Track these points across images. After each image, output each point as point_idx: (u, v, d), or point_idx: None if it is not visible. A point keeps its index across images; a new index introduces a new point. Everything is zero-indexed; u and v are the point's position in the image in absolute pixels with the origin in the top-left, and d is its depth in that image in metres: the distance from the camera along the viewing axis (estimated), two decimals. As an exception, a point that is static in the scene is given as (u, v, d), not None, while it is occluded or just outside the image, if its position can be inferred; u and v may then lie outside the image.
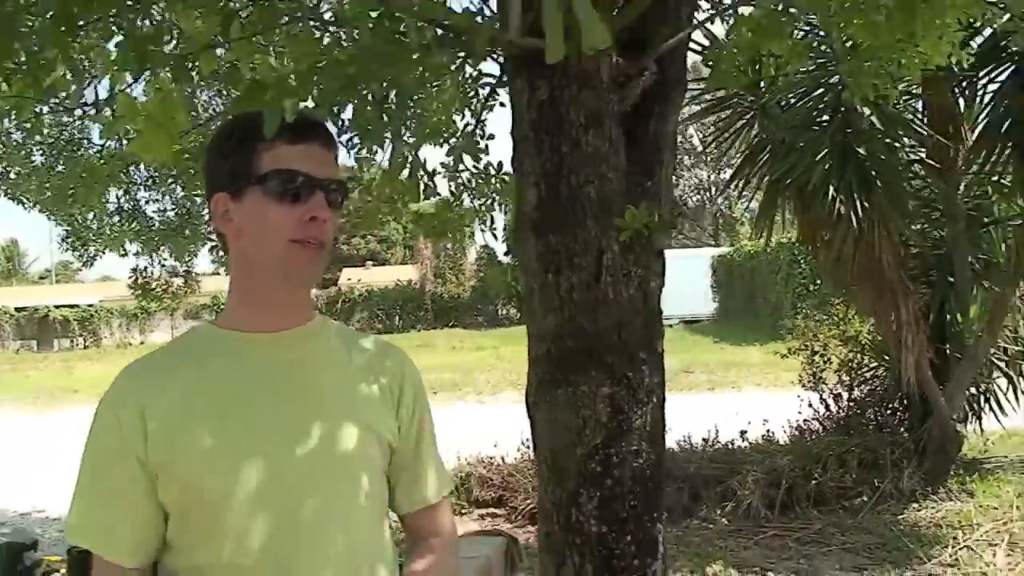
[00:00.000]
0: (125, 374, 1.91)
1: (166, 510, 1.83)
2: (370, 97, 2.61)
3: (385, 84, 2.76)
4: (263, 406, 1.86)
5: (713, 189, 52.59)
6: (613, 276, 2.90)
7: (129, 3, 2.28)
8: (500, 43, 3.01)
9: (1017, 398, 8.60)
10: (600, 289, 2.89)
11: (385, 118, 3.08)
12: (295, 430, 1.86)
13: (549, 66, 2.78)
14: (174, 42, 3.01)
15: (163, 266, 12.29)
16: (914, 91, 7.73)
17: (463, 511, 8.22)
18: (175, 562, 1.87)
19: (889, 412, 9.02)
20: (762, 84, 7.39)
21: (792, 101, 7.66)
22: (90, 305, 47.79)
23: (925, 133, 7.72)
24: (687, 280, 31.98)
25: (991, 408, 8.74)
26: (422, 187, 4.26)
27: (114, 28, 2.31)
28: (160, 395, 1.83)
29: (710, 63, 3.24)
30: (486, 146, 4.01)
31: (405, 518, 2.10)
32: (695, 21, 3.30)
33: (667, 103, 3.11)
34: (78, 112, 5.16)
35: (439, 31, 2.80)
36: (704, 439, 8.88)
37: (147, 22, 2.36)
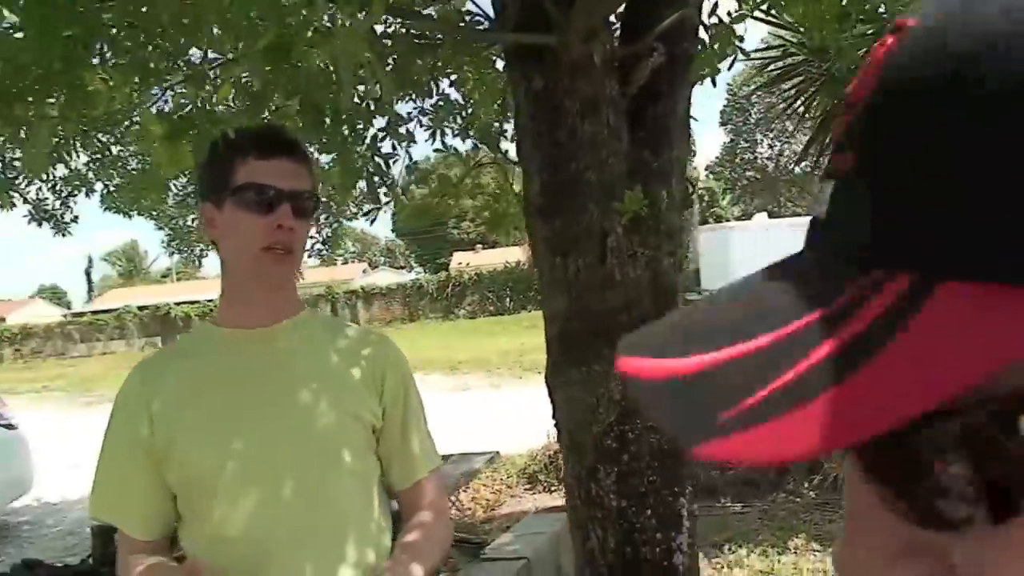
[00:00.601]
0: (135, 370, 2.16)
1: (172, 489, 2.07)
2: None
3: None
4: (248, 395, 2.06)
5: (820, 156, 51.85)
6: (619, 257, 2.96)
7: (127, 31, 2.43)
8: (494, 38, 3.10)
9: None
10: (606, 270, 2.96)
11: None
12: (277, 415, 2.05)
13: (542, 58, 2.88)
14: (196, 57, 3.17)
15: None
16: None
17: (552, 488, 8.34)
18: (183, 534, 2.11)
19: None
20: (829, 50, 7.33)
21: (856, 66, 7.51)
22: (210, 300, 48.96)
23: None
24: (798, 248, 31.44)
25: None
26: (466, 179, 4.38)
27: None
28: (162, 388, 2.07)
29: (704, 46, 3.27)
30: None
31: (398, 495, 2.23)
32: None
33: (674, 83, 3.16)
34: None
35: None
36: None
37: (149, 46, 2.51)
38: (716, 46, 3.17)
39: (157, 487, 2.07)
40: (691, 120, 3.33)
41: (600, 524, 3.04)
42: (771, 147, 54.06)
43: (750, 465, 0.37)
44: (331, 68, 2.24)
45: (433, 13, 2.83)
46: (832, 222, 0.44)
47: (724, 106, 57.01)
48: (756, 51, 8.20)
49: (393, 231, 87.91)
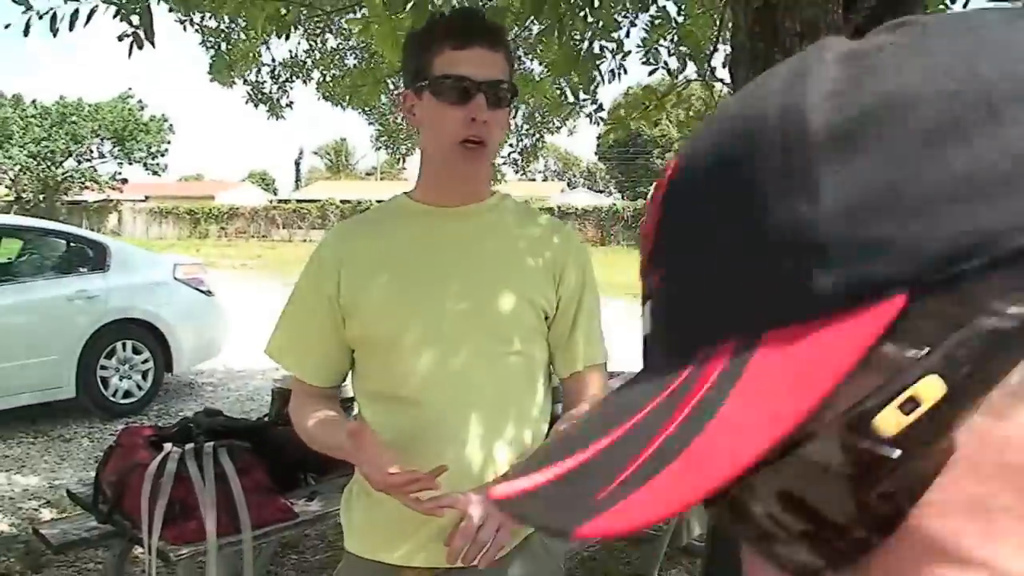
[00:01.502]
0: (333, 232, 2.35)
1: (351, 345, 2.21)
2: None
3: None
4: (432, 268, 2.15)
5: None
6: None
7: None
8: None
9: None
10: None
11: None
12: (458, 290, 2.15)
13: (767, -27, 2.83)
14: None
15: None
16: None
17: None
18: (358, 387, 2.27)
19: None
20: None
21: None
22: (408, 201, 50.04)
23: None
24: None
25: None
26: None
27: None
28: (355, 250, 2.21)
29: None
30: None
31: (563, 382, 2.30)
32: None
33: (904, 11, 3.05)
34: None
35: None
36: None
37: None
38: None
39: (336, 340, 2.21)
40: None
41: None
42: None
43: (626, 533, 0.39)
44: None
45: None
46: (655, 331, 0.49)
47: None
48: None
49: (596, 154, 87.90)
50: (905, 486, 0.38)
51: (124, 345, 9.17)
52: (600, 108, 6.66)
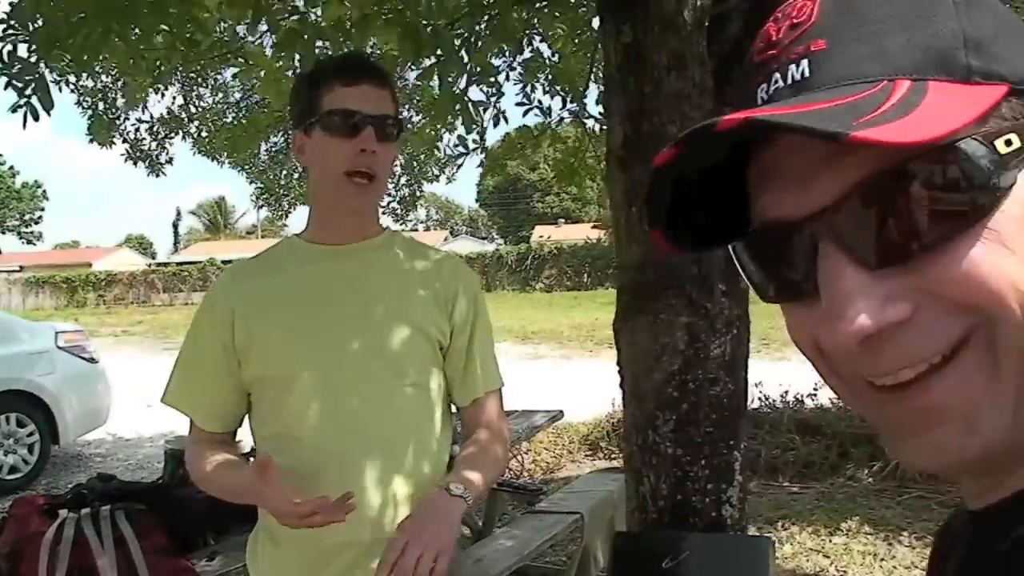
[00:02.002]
0: (224, 275, 2.39)
1: (247, 388, 2.23)
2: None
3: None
4: (325, 306, 2.20)
5: None
6: (693, 211, 3.02)
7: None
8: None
9: None
10: (679, 223, 3.02)
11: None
12: (350, 328, 2.19)
13: (633, 10, 2.95)
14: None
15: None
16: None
17: (613, 456, 8.41)
18: (256, 430, 2.28)
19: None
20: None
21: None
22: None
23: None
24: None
25: None
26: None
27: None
28: (247, 293, 2.24)
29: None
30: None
31: (462, 411, 2.35)
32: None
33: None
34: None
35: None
36: (860, 398, 8.75)
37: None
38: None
39: (231, 384, 2.23)
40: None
41: (654, 471, 3.11)
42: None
43: (890, 145, 0.55)
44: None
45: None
46: (818, 75, 0.64)
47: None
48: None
49: (477, 201, 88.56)
50: (995, 192, 0.59)
51: (8, 419, 8.94)
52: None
